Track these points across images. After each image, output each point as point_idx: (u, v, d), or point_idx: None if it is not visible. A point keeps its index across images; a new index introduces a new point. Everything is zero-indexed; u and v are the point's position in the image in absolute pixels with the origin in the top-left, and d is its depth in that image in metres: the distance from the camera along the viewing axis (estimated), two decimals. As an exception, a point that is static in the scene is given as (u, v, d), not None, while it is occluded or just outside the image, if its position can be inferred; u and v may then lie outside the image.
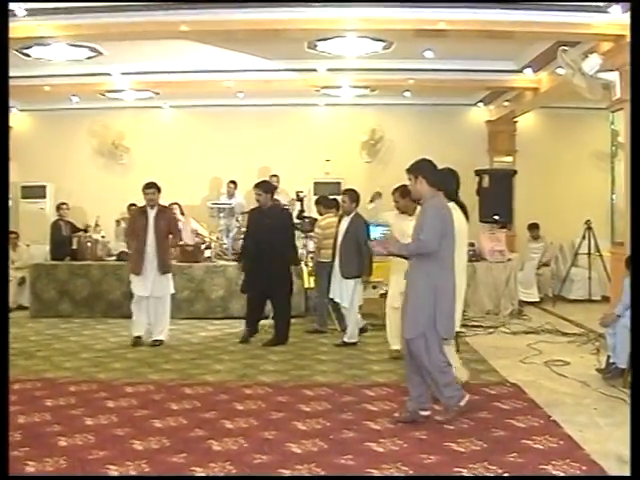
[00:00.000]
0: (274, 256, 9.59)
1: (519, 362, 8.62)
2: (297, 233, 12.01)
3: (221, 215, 13.29)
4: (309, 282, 11.38)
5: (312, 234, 11.32)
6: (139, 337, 9.83)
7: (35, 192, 15.57)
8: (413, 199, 7.09)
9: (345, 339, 9.77)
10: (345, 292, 9.61)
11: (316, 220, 11.26)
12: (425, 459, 5.28)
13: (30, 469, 5.11)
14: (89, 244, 12.56)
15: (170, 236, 10.02)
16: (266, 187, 10.07)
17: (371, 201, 10.16)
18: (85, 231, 13.12)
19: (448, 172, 6.97)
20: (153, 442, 5.68)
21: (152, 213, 9.77)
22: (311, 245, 11.58)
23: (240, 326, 10.50)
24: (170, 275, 9.99)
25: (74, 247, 12.67)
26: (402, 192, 8.39)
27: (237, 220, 12.96)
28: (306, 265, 11.46)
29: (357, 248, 9.44)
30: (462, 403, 6.27)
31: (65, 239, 12.88)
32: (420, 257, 6.13)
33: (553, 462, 5.17)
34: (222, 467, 5.12)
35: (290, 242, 9.98)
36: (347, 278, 9.55)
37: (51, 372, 8.26)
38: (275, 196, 13.12)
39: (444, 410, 6.29)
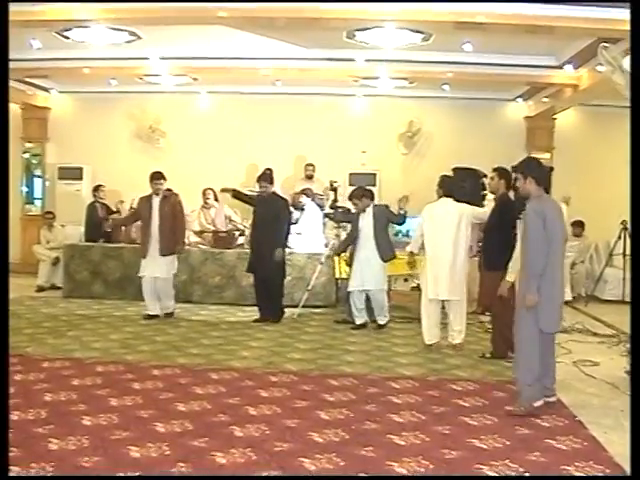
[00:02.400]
0: (270, 242, 10.29)
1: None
2: (330, 223, 12.08)
3: (257, 202, 13.33)
4: (340, 272, 11.37)
5: (346, 223, 11.31)
6: (151, 316, 10.58)
7: (72, 174, 15.73)
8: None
9: (379, 321, 10.25)
10: (379, 275, 10.08)
11: (349, 210, 11.25)
12: (447, 454, 5.26)
13: (53, 447, 5.16)
14: (123, 227, 12.62)
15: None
16: (270, 178, 10.71)
17: (400, 209, 10.32)
18: (117, 212, 13.27)
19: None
20: (176, 425, 5.72)
21: (157, 200, 10.50)
22: (344, 235, 11.55)
23: None
24: (172, 258, 10.60)
25: (108, 229, 12.77)
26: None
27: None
28: (338, 255, 11.42)
29: (387, 232, 10.30)
30: (536, 404, 6.38)
31: (100, 221, 12.98)
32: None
33: (576, 463, 5.12)
34: (242, 453, 5.13)
35: (282, 229, 10.55)
36: (387, 261, 10.11)
37: (80, 352, 8.34)
38: (309, 185, 13.28)
39: (517, 402, 6.42)
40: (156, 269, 10.43)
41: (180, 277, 11.58)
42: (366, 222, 10.12)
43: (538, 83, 13.45)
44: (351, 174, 15.03)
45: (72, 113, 16.29)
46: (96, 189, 13.56)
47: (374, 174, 15.13)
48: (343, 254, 11.07)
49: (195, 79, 14.38)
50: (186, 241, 11.35)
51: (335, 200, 12.25)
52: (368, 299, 10.25)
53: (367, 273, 10.00)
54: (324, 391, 6.90)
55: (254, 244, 10.57)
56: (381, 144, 15.56)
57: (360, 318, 10.25)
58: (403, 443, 5.50)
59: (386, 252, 10.07)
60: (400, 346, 9.18)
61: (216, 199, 13.17)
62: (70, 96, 16.24)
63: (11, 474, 4.60)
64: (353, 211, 10.66)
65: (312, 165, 14.55)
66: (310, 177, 14.40)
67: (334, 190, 12.35)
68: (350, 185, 14.69)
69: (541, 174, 6.50)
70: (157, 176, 10.55)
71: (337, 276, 11.65)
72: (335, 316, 10.97)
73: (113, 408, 6.16)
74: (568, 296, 13.22)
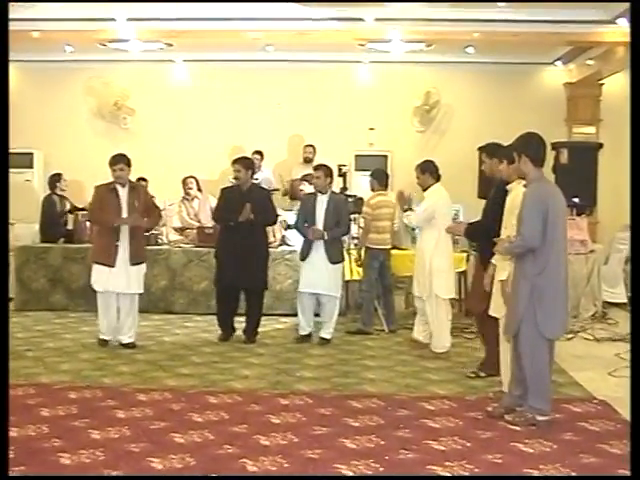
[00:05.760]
0: (254, 243, 10.10)
1: (607, 375, 8.57)
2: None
3: (245, 192, 13.31)
4: (352, 273, 11.39)
5: (357, 216, 11.37)
6: (106, 340, 9.93)
7: (20, 160, 15.54)
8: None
9: (324, 335, 10.18)
10: (333, 280, 10.09)
11: (361, 199, 11.29)
12: (504, 487, 5.29)
13: (31, 490, 5.15)
14: (88, 224, 12.53)
15: (146, 219, 10.00)
16: (247, 163, 10.42)
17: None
18: (83, 210, 13.17)
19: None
20: (175, 460, 5.70)
21: (123, 192, 9.72)
22: (354, 229, 11.60)
23: (268, 324, 10.91)
24: (143, 266, 9.97)
25: (69, 227, 12.71)
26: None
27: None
28: (348, 253, 11.45)
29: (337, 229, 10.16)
30: (540, 418, 6.61)
31: (59, 217, 12.91)
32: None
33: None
34: (261, 492, 5.15)
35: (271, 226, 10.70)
36: (335, 263, 10.07)
37: (45, 376, 8.34)
38: (310, 171, 13.24)
39: (519, 413, 6.73)
40: (128, 282, 9.69)
41: (159, 283, 11.60)
42: (319, 209, 10.10)
43: (583, 42, 13.47)
44: (357, 156, 15.10)
45: (18, 87, 16.04)
46: (58, 179, 13.35)
47: (385, 156, 15.20)
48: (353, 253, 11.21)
49: (169, 45, 14.32)
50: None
51: (344, 188, 12.27)
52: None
53: (317, 273, 10.02)
54: (346, 415, 6.91)
55: (228, 250, 10.17)
56: (393, 120, 15.63)
57: (305, 328, 10.27)
58: (448, 474, 5.52)
59: (335, 252, 10.10)
60: (427, 360, 9.22)
61: (199, 189, 13.15)
62: (15, 66, 15.90)
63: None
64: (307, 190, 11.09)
65: (312, 146, 14.57)
66: (309, 161, 14.37)
67: (343, 176, 12.36)
68: (356, 170, 14.76)
69: (539, 153, 6.77)
70: (120, 159, 9.68)
71: (347, 278, 11.64)
72: (347, 326, 11.00)
73: (96, 442, 6.13)
74: (622, 297, 13.29)
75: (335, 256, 10.03)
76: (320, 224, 9.99)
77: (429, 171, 9.49)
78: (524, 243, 6.50)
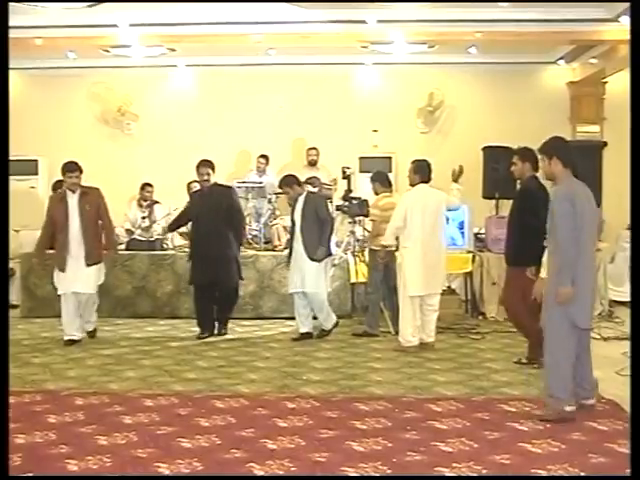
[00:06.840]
0: (221, 239, 10.36)
1: (614, 374, 8.55)
2: (341, 217, 12.09)
3: (250, 196, 13.27)
4: (357, 275, 11.38)
5: (363, 218, 11.38)
6: (71, 341, 10.28)
7: (25, 168, 15.63)
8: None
9: (323, 327, 10.54)
10: (314, 276, 10.29)
11: (366, 201, 11.25)
12: (511, 487, 5.27)
13: (37, 498, 5.15)
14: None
15: (100, 223, 10.36)
16: (212, 165, 10.64)
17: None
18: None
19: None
20: (183, 465, 5.69)
21: (74, 198, 10.11)
22: (359, 232, 11.59)
23: (274, 327, 11.12)
24: (101, 266, 10.32)
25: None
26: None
27: (269, 201, 12.97)
28: (353, 255, 11.44)
29: (320, 226, 10.37)
30: (567, 409, 6.70)
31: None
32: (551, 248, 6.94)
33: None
34: (269, 495, 5.14)
35: (237, 223, 10.72)
36: (316, 260, 10.29)
37: (52, 382, 8.34)
38: (314, 173, 13.29)
39: (546, 406, 6.85)
40: (79, 283, 10.11)
41: (164, 288, 11.63)
42: (297, 211, 10.43)
43: (586, 41, 13.44)
44: (361, 158, 15.08)
45: (21, 94, 16.11)
46: (62, 186, 13.34)
47: (389, 157, 15.18)
48: (358, 255, 11.24)
49: (172, 50, 14.37)
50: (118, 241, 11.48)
51: (349, 190, 12.24)
52: None
53: (303, 272, 10.29)
54: (353, 418, 6.90)
55: (200, 250, 10.45)
56: (396, 122, 15.63)
57: (304, 326, 10.55)
58: (455, 476, 5.51)
59: (314, 249, 10.24)
60: (434, 361, 9.23)
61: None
62: (18, 73, 16.04)
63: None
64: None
65: (315, 149, 14.60)
66: (314, 163, 14.44)
67: (347, 178, 12.34)
68: (361, 172, 14.73)
69: (568, 155, 7.03)
70: (75, 167, 10.13)
71: (353, 280, 11.64)
72: (353, 328, 11.01)
73: (103, 448, 6.12)
74: (628, 296, 13.25)
75: (316, 254, 10.20)
76: (298, 222, 10.33)
77: (421, 173, 9.80)
78: (568, 256, 6.63)
